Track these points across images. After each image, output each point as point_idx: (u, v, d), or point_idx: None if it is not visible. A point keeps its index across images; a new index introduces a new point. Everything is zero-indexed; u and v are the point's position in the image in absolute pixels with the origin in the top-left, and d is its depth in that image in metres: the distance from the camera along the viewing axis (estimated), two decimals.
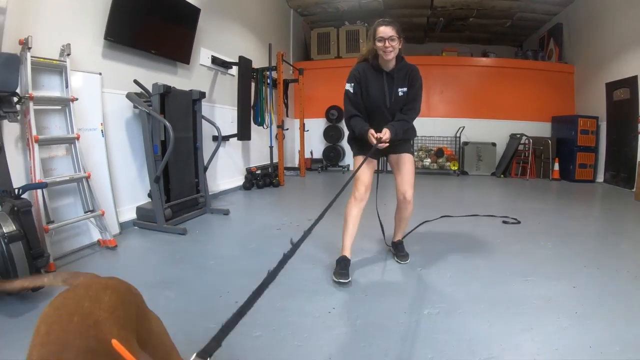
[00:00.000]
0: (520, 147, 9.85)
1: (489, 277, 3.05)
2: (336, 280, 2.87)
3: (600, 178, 9.07)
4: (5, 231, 2.39)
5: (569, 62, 10.66)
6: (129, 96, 4.34)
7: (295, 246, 1.35)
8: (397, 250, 3.45)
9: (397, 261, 3.36)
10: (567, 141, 9.42)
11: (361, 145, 3.14)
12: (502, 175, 9.79)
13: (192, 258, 3.50)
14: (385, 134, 2.91)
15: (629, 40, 7.92)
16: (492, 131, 10.46)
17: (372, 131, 2.96)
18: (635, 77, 7.74)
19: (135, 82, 4.51)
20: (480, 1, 10.35)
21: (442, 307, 2.51)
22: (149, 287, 2.82)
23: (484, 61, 11.31)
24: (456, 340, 2.13)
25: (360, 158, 3.07)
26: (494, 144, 10.30)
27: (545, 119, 10.53)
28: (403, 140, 3.19)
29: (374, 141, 2.92)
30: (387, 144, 2.94)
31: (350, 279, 2.92)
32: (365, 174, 3.08)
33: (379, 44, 2.86)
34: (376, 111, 3.11)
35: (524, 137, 9.77)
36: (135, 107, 4.48)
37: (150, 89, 4.50)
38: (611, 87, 8.68)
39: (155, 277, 3.04)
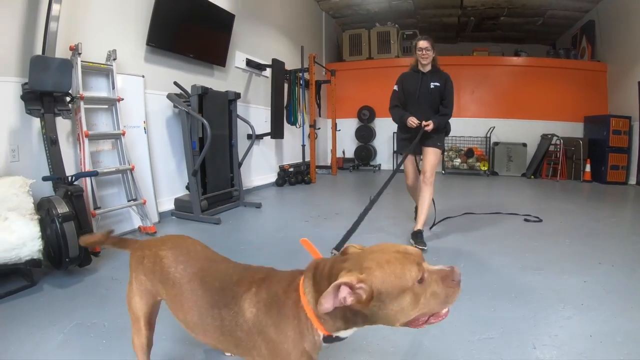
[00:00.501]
0: (551, 148, 9.67)
1: (501, 269, 3.13)
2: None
3: (632, 180, 8.77)
4: (60, 212, 2.70)
5: (602, 60, 10.36)
6: (169, 97, 4.66)
7: (373, 201, 2.20)
8: (416, 239, 3.70)
9: (419, 245, 3.60)
10: (599, 142, 9.14)
11: (403, 139, 4.13)
12: (532, 177, 9.63)
13: (225, 243, 3.75)
14: (430, 124, 3.76)
15: None
16: (523, 131, 10.32)
17: (412, 118, 3.83)
18: None
19: (175, 83, 4.82)
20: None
21: None
22: None
23: (515, 60, 11.17)
24: (459, 320, 2.24)
25: (404, 153, 3.97)
26: (524, 145, 10.15)
27: (577, 119, 10.26)
28: (436, 135, 3.95)
29: (414, 125, 3.80)
30: (430, 129, 3.78)
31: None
32: (409, 169, 4.15)
33: (419, 52, 3.88)
34: (410, 100, 4.00)
35: (554, 138, 9.58)
36: (175, 106, 4.80)
37: (189, 90, 4.80)
38: None
39: None
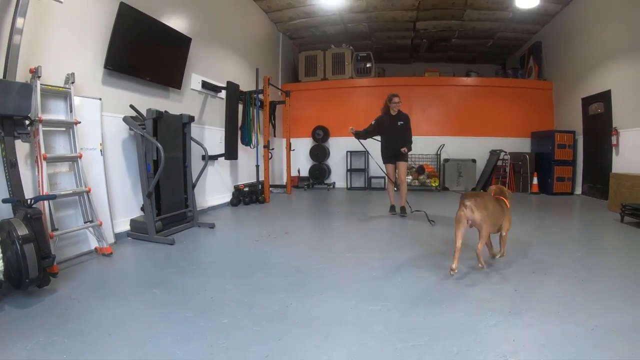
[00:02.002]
0: (500, 163, 10.44)
1: (436, 282, 3.37)
2: (391, 213, 6.77)
3: (578, 190, 9.70)
4: (20, 234, 2.88)
5: (548, 79, 11.35)
6: (125, 119, 4.90)
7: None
8: (402, 211, 6.66)
9: (401, 215, 6.57)
10: (545, 155, 10.06)
11: (386, 157, 6.74)
12: (482, 190, 10.14)
13: (177, 263, 3.98)
14: (405, 149, 6.45)
15: (603, 56, 8.53)
16: (473, 148, 11.10)
17: (352, 128, 6.75)
18: (609, 92, 8.31)
19: (131, 107, 5.06)
20: (461, 23, 11.05)
21: (385, 305, 2.86)
22: (139, 286, 3.38)
23: (465, 80, 12.01)
24: (389, 330, 2.47)
25: (387, 165, 6.75)
26: (474, 161, 10.91)
27: (525, 134, 11.18)
28: (404, 154, 6.55)
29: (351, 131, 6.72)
30: (406, 151, 6.55)
31: (396, 212, 6.73)
32: (391, 172, 6.76)
33: (393, 105, 6.53)
34: (386, 133, 6.68)
35: (502, 153, 10.38)
36: (130, 129, 5.01)
37: (144, 113, 5.03)
38: (587, 101, 9.31)
39: (145, 278, 3.57)
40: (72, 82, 4.16)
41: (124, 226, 5.04)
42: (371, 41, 12.69)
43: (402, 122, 6.58)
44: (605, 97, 8.48)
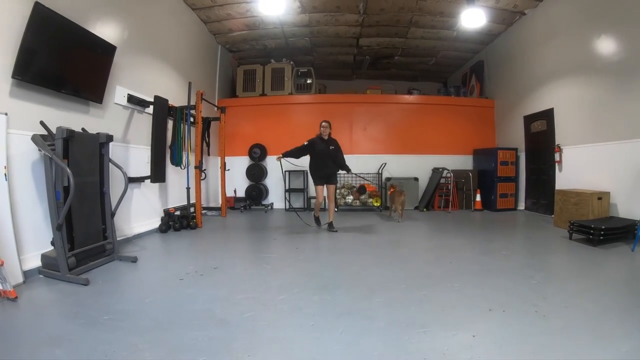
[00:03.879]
0: (442, 181, 10.73)
1: (384, 330, 3.09)
2: (314, 225, 8.01)
3: (521, 206, 10.26)
4: None
5: (490, 97, 11.92)
6: (34, 139, 4.41)
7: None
8: (330, 227, 7.63)
9: (332, 231, 7.49)
10: (487, 172, 10.58)
11: (316, 177, 7.58)
12: (425, 209, 10.58)
13: (88, 312, 3.51)
14: (350, 171, 7.77)
15: (545, 75, 9.06)
16: (415, 166, 11.43)
17: (279, 156, 7.48)
18: (551, 110, 8.85)
19: (42, 124, 4.59)
20: (405, 41, 11.38)
21: None
22: (41, 344, 2.88)
23: (407, 98, 12.30)
24: None
25: (317, 185, 7.61)
26: (416, 179, 11.18)
27: (467, 152, 11.66)
28: (334, 177, 7.73)
29: (277, 159, 7.49)
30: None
31: (320, 226, 7.96)
32: (320, 191, 7.66)
33: (322, 129, 7.48)
34: (320, 157, 7.49)
35: (445, 171, 10.69)
36: (39, 149, 4.52)
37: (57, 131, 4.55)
38: (529, 119, 9.88)
39: (49, 333, 3.07)
40: None
41: (35, 261, 4.51)
42: (313, 57, 12.74)
43: (333, 147, 7.55)
44: (548, 115, 8.99)
